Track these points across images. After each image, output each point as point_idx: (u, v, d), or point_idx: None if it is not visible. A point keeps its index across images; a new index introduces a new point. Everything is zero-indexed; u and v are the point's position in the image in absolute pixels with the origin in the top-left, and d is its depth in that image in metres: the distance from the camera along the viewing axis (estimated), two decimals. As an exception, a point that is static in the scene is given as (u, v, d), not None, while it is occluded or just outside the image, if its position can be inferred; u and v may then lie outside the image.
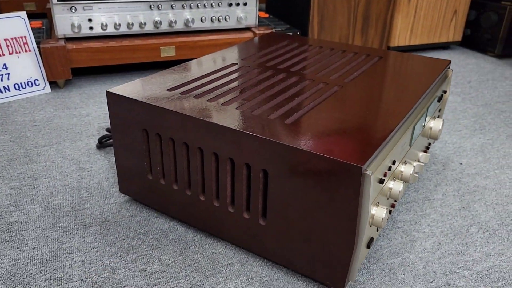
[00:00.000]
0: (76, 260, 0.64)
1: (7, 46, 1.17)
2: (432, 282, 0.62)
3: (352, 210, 0.52)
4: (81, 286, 0.60)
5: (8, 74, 1.18)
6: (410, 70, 0.81)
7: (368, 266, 0.65)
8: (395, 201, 0.64)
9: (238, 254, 0.66)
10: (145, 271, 0.63)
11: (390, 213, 0.65)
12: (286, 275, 0.63)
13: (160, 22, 1.27)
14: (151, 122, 0.65)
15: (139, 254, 0.66)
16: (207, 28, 1.35)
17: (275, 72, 0.79)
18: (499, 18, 1.62)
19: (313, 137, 0.55)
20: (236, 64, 0.82)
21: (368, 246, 0.59)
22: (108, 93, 0.68)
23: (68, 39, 1.24)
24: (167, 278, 0.62)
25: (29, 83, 1.21)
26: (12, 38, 1.18)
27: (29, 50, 1.20)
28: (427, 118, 0.76)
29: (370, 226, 0.56)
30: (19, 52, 1.19)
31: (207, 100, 0.66)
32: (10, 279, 0.61)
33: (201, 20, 1.32)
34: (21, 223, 0.72)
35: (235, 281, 0.62)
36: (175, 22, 1.29)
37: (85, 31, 1.22)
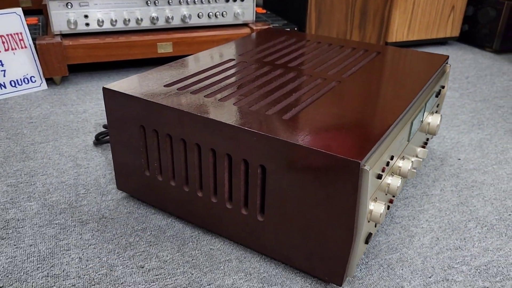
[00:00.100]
0: (73, 257, 0.64)
1: (3, 42, 1.16)
2: (430, 277, 0.62)
3: (350, 205, 0.52)
4: (79, 283, 0.60)
5: (4, 71, 1.17)
6: (408, 65, 0.81)
7: (366, 262, 0.65)
8: (393, 196, 0.64)
9: (236, 251, 0.66)
10: (142, 267, 0.63)
11: (388, 208, 0.65)
12: (284, 271, 0.63)
13: (157, 18, 1.27)
14: (148, 118, 0.65)
15: (136, 251, 0.66)
16: (204, 24, 1.35)
17: (272, 67, 0.78)
18: (497, 13, 1.61)
19: (311, 132, 0.55)
20: (234, 60, 0.82)
21: (366, 242, 0.59)
22: (104, 89, 0.67)
23: (64, 36, 1.23)
24: (165, 274, 0.62)
25: (25, 79, 1.20)
26: (8, 35, 1.17)
27: (25, 47, 1.20)
28: (425, 114, 0.75)
29: (368, 221, 0.56)
30: (15, 49, 1.18)
31: (204, 96, 0.65)
32: (7, 276, 0.61)
33: (198, 16, 1.32)
34: (18, 220, 0.71)
35: (233, 277, 0.61)
36: (172, 18, 1.29)
37: (81, 27, 1.22)
